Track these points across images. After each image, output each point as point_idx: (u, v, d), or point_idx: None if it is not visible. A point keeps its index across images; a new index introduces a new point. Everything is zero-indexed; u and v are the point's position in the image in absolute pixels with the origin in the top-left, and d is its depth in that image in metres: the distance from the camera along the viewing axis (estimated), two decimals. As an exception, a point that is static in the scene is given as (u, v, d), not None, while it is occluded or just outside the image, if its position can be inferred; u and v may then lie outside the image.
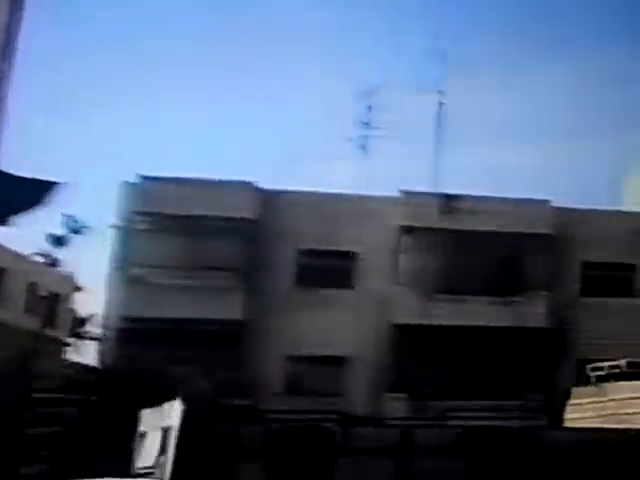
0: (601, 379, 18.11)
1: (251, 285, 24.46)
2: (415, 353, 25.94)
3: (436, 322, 26.09)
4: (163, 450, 13.11)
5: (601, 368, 18.22)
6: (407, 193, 26.88)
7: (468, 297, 26.67)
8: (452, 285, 26.73)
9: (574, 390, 18.90)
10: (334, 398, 24.61)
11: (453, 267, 26.91)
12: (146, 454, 14.18)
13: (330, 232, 25.48)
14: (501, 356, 26.90)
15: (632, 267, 28.37)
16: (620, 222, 28.20)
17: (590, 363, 28.38)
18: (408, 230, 26.49)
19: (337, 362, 25.25)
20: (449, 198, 27.12)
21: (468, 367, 26.77)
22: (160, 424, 13.72)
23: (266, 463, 12.82)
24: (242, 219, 24.46)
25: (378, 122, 27.88)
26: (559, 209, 27.92)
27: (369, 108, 27.98)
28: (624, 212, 29.05)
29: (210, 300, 23.25)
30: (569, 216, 27.94)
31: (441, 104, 28.59)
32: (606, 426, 15.63)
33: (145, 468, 14.00)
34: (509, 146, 50.18)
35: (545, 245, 27.44)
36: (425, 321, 26.00)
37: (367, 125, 27.88)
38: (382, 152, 29.87)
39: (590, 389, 18.23)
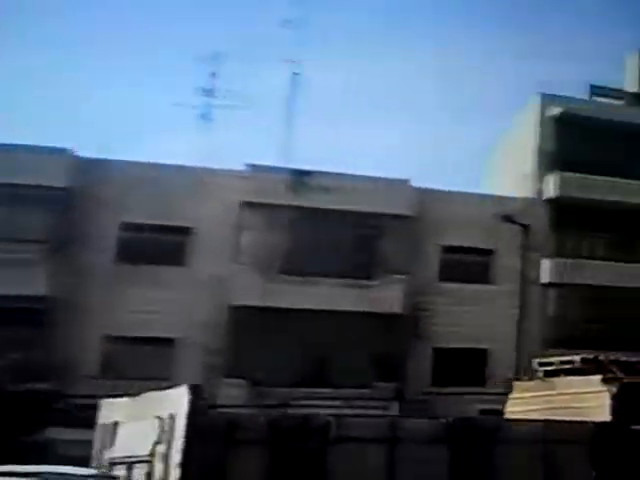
0: (549, 374, 17.29)
1: (63, 259, 22.60)
2: (256, 337, 24.53)
3: (279, 304, 24.74)
4: (159, 439, 12.67)
5: (551, 363, 17.44)
6: (253, 167, 25.38)
7: (317, 279, 25.43)
8: (300, 266, 25.40)
9: (516, 384, 18.03)
10: (160, 382, 23.02)
11: (302, 247, 25.58)
12: (126, 444, 13.58)
13: (161, 205, 23.70)
14: (352, 342, 25.73)
15: (490, 252, 27.50)
16: (480, 205, 27.34)
17: (445, 351, 27.93)
18: (252, 206, 25.00)
19: (165, 344, 23.67)
20: (300, 174, 25.73)
21: (315, 353, 25.57)
22: (152, 412, 12.98)
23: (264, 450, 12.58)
24: (53, 188, 22.50)
25: (224, 91, 26.28)
26: (418, 190, 26.83)
27: (213, 75, 26.31)
28: (484, 195, 28.17)
29: (9, 274, 21.35)
30: (429, 197, 26.93)
31: (295, 74, 27.11)
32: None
33: (127, 457, 13.35)
34: (368, 122, 48.04)
35: (403, 226, 26.37)
36: (267, 303, 24.61)
37: (210, 93, 26.20)
38: (228, 123, 28.32)
39: (535, 383, 17.40)
